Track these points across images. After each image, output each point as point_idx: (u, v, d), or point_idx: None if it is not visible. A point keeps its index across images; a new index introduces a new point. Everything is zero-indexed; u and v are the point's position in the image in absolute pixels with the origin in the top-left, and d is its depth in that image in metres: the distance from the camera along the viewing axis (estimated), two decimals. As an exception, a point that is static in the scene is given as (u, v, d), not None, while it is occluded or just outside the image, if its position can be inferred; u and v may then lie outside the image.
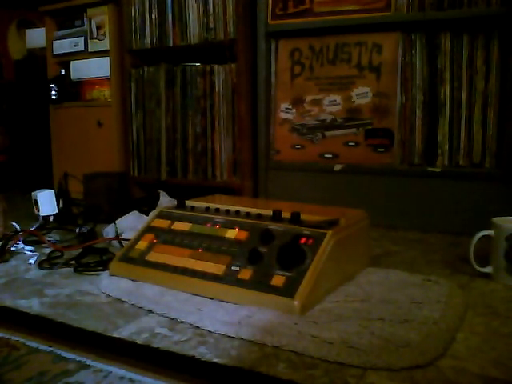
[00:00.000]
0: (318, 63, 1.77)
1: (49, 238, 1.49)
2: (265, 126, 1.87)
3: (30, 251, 1.36)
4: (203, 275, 1.01)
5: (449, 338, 0.81)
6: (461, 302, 0.96)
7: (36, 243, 1.42)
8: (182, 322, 0.89)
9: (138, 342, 0.81)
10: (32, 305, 0.98)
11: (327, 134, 1.77)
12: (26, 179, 2.49)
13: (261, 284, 0.94)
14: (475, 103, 1.58)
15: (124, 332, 0.85)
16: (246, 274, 0.97)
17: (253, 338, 0.81)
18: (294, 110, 1.83)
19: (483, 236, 1.12)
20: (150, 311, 0.94)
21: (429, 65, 1.63)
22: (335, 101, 1.75)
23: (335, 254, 1.00)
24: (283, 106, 1.85)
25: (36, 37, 2.44)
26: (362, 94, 1.70)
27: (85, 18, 2.23)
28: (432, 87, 1.62)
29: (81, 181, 1.89)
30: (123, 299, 1.00)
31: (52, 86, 2.31)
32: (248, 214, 1.14)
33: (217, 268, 1.01)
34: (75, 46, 2.25)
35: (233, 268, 0.99)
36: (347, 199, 1.72)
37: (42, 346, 0.80)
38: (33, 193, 1.71)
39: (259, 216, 1.12)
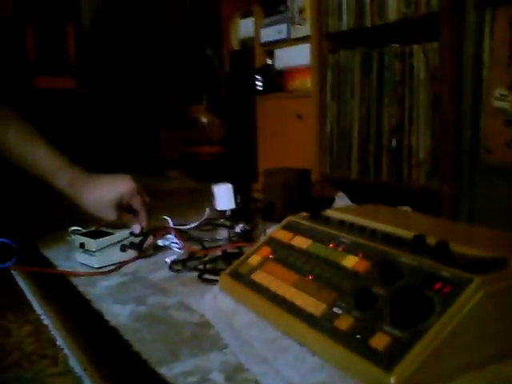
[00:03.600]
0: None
1: (218, 236, 1.46)
2: (472, 116, 1.48)
3: (178, 248, 1.32)
4: (299, 312, 0.79)
5: None
6: None
7: (189, 240, 1.38)
8: (247, 370, 0.70)
9: (176, 389, 0.66)
10: (121, 313, 0.91)
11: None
12: (235, 171, 2.54)
13: (356, 340, 0.68)
14: None
15: (175, 369, 0.70)
16: (345, 321, 0.72)
17: (306, 424, 0.57)
18: (512, 98, 1.40)
19: None
20: (226, 347, 0.77)
21: None
22: None
23: (482, 312, 0.66)
24: (497, 91, 1.43)
25: (248, 26, 2.44)
26: None
27: (288, 3, 2.12)
28: None
29: (262, 176, 1.80)
30: (212, 323, 0.86)
31: (258, 76, 2.28)
32: (385, 237, 0.86)
33: (316, 306, 0.77)
34: (279, 33, 2.16)
35: (334, 310, 0.75)
36: None
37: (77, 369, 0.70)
38: (212, 185, 1.70)
39: (398, 241, 0.84)
